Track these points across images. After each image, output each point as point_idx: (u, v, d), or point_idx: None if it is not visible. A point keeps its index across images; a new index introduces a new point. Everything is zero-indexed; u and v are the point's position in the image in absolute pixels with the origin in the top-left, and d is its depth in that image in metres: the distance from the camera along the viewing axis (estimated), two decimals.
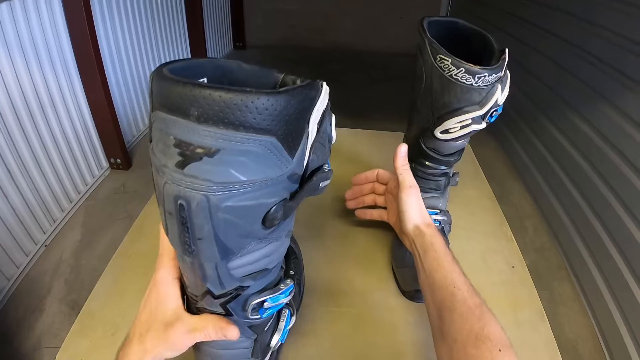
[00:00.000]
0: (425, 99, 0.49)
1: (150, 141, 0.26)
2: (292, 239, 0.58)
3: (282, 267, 0.39)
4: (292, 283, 0.37)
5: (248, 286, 0.32)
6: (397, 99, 1.59)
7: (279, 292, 0.35)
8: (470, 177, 0.80)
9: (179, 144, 0.23)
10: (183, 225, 0.25)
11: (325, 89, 0.27)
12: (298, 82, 0.27)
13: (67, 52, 1.22)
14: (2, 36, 1.00)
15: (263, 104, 0.22)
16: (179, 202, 0.24)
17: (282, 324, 0.42)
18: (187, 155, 0.23)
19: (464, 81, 0.44)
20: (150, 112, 0.25)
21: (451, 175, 0.60)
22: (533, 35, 1.43)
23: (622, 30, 0.98)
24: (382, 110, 1.38)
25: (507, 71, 0.47)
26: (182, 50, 1.84)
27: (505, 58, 0.46)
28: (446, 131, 0.49)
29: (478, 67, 0.43)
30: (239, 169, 0.23)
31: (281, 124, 0.23)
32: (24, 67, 1.07)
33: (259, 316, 0.34)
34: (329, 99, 0.29)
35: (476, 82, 0.44)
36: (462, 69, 0.43)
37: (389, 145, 0.87)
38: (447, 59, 0.43)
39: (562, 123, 1.23)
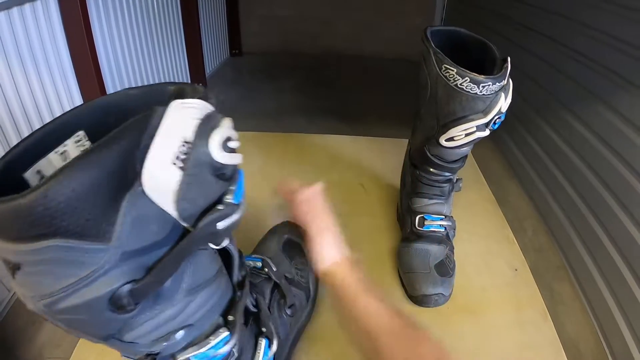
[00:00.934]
0: (430, 108, 0.50)
1: None
2: (299, 234, 0.53)
3: (220, 314, 0.34)
4: (228, 333, 0.33)
5: (161, 350, 0.29)
6: (392, 103, 1.60)
7: (207, 346, 0.31)
8: (471, 181, 0.82)
9: (6, 263, 0.22)
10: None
11: (182, 109, 0.22)
12: (188, 91, 0.24)
13: (65, 62, 1.22)
14: (0, 45, 1.00)
15: (26, 208, 0.18)
16: (36, 310, 0.23)
17: (259, 354, 0.39)
18: (9, 267, 0.22)
19: (469, 90, 0.45)
20: None
21: (455, 181, 0.61)
22: (527, 37, 1.45)
23: (614, 32, 1.00)
24: (378, 115, 1.39)
25: (510, 79, 0.48)
26: (179, 60, 1.84)
27: (507, 67, 0.47)
28: (451, 139, 0.50)
29: (482, 76, 0.44)
30: (46, 278, 0.21)
31: (61, 219, 0.19)
32: (23, 76, 1.07)
33: None
34: (216, 113, 0.24)
35: (480, 91, 0.45)
36: (467, 78, 0.44)
37: (389, 151, 0.89)
38: (453, 68, 0.44)
39: (557, 123, 1.25)
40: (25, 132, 1.08)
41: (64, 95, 1.22)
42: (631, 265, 0.84)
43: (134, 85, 1.63)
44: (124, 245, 0.22)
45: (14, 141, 1.05)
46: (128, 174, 0.21)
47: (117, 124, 0.22)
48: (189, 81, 1.80)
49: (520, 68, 1.41)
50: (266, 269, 0.47)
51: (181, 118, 0.22)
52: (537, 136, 1.31)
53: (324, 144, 0.94)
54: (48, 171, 0.24)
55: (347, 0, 1.98)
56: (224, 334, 0.32)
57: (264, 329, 0.40)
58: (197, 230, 0.24)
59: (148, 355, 0.29)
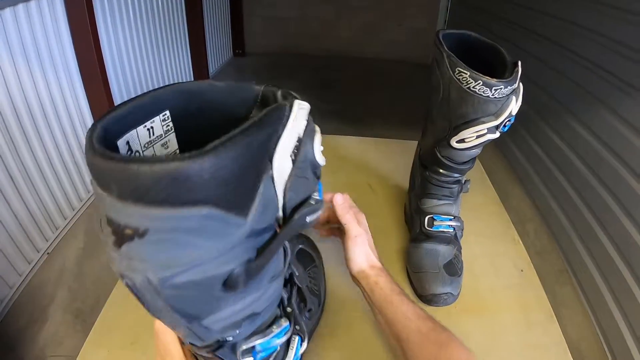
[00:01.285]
0: (441, 110, 0.51)
1: None
2: (312, 245, 0.57)
3: (278, 305, 0.36)
4: (288, 323, 0.34)
5: (231, 337, 0.30)
6: (394, 105, 1.61)
7: (271, 335, 0.33)
8: (477, 183, 0.82)
9: (110, 221, 0.20)
10: (139, 299, 0.23)
11: (299, 109, 0.23)
12: (279, 95, 0.24)
13: (70, 60, 1.22)
14: (6, 43, 1.00)
15: (185, 171, 0.18)
16: (124, 280, 0.22)
17: (291, 352, 0.39)
18: (119, 235, 0.20)
19: (481, 93, 0.46)
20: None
21: (463, 182, 0.61)
22: (528, 40, 1.46)
23: (616, 35, 1.01)
24: (381, 116, 1.40)
25: (521, 83, 0.49)
26: (183, 59, 1.85)
27: (518, 70, 0.48)
28: (462, 140, 0.51)
29: (495, 80, 0.45)
30: (175, 248, 0.20)
31: (216, 188, 0.19)
32: (28, 74, 1.07)
33: (252, 359, 0.32)
34: (311, 118, 0.25)
35: (492, 94, 0.46)
36: (479, 81, 0.45)
37: (396, 153, 0.89)
38: (466, 72, 0.45)
39: (560, 126, 1.26)
40: (30, 131, 1.08)
41: (69, 93, 1.22)
42: (633, 268, 0.85)
43: (137, 85, 1.64)
44: (254, 223, 0.22)
45: (19, 140, 1.05)
46: (265, 157, 0.22)
47: (199, 110, 0.24)
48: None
49: (522, 71, 1.43)
50: (290, 272, 0.47)
51: (300, 116, 0.23)
52: (539, 139, 1.32)
53: (331, 145, 0.95)
54: (135, 143, 0.24)
55: (350, 2, 1.99)
56: (285, 324, 0.34)
57: (297, 327, 0.40)
58: (294, 220, 0.25)
59: (215, 343, 0.30)
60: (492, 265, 0.66)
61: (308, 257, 0.55)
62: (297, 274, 0.47)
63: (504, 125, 0.50)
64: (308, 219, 0.26)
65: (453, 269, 0.57)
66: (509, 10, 1.57)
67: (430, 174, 0.59)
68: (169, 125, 0.26)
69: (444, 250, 0.58)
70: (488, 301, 0.60)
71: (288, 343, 0.39)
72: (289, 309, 0.38)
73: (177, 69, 1.78)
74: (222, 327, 0.28)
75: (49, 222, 1.20)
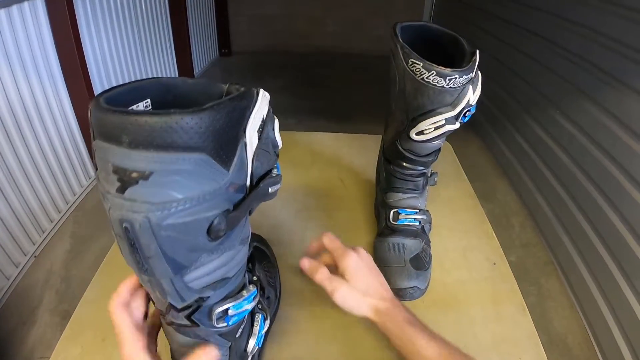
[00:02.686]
0: (399, 102, 0.51)
1: (96, 169, 0.26)
2: (264, 243, 0.59)
3: (245, 273, 0.39)
4: (256, 289, 0.37)
5: (208, 297, 0.32)
6: (381, 102, 1.60)
7: (242, 298, 0.35)
8: (452, 177, 0.82)
9: (117, 170, 0.24)
10: (132, 247, 0.26)
11: (263, 96, 0.28)
12: (241, 90, 0.28)
13: (53, 62, 1.23)
14: None
15: (187, 123, 0.23)
16: (124, 225, 0.25)
17: (256, 329, 0.42)
18: (125, 181, 0.24)
19: (436, 84, 0.45)
20: (92, 141, 0.25)
21: (429, 175, 0.61)
22: (514, 34, 1.45)
23: (601, 28, 1.00)
24: (367, 113, 1.39)
25: (479, 72, 0.48)
26: (168, 59, 1.85)
27: (475, 60, 0.47)
28: (421, 132, 0.50)
29: (449, 69, 0.44)
30: (174, 188, 0.24)
31: (209, 139, 0.24)
32: (10, 76, 1.07)
33: (225, 324, 0.35)
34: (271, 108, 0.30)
35: (447, 84, 0.45)
36: (433, 72, 0.44)
37: (368, 148, 0.89)
38: (419, 62, 0.45)
39: (544, 120, 1.25)
40: (14, 134, 1.08)
41: (52, 96, 1.22)
42: (618, 260, 0.84)
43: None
44: (233, 177, 0.27)
45: (3, 143, 1.05)
46: (241, 127, 0.27)
47: (174, 101, 0.29)
48: None
49: (508, 65, 1.42)
50: (249, 263, 0.49)
51: (264, 102, 0.28)
52: (525, 133, 1.32)
53: (306, 141, 0.95)
54: None
55: None
56: (253, 289, 0.37)
57: (259, 306, 0.44)
58: (260, 187, 0.30)
59: (194, 304, 0.33)
60: (463, 259, 0.65)
61: (262, 253, 0.57)
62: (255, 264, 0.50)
63: (464, 116, 0.49)
64: (271, 189, 0.31)
65: (420, 262, 0.57)
66: (494, 4, 1.57)
67: (394, 167, 0.59)
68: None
69: (410, 244, 0.57)
70: (459, 294, 0.60)
71: (252, 320, 0.43)
72: (255, 277, 0.43)
73: (162, 69, 1.78)
74: (201, 286, 0.31)
75: (35, 225, 1.20)
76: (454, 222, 0.71)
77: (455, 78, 0.45)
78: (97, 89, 1.42)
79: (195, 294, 0.31)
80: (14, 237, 1.11)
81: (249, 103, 0.27)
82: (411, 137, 0.51)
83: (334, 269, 0.50)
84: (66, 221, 1.34)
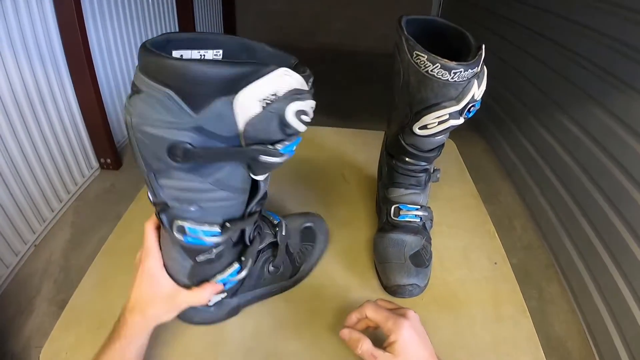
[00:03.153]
0: (402, 95, 0.50)
1: None
2: (323, 236, 0.61)
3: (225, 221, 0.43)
4: (219, 231, 0.41)
5: (173, 207, 0.39)
6: (384, 99, 1.60)
7: (201, 227, 0.39)
8: (455, 175, 0.81)
9: (132, 85, 0.33)
10: (130, 139, 0.34)
11: (283, 74, 0.31)
12: (299, 67, 0.34)
13: (57, 49, 1.22)
14: None
15: (170, 66, 0.30)
16: (126, 121, 0.33)
17: (228, 271, 0.46)
18: (132, 92, 0.32)
19: (440, 77, 0.44)
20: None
21: (432, 171, 0.60)
22: (523, 36, 1.44)
23: (610, 32, 0.99)
24: (370, 111, 1.38)
25: (484, 67, 0.48)
26: None
27: (481, 54, 0.46)
28: (424, 127, 0.49)
29: (454, 62, 0.43)
30: (150, 107, 0.31)
31: (179, 82, 0.30)
32: (14, 64, 1.07)
33: (182, 238, 0.40)
34: (314, 92, 0.34)
35: (452, 78, 0.44)
36: (437, 64, 0.44)
37: (371, 143, 0.88)
38: (423, 55, 0.44)
39: (551, 123, 1.24)
40: (17, 122, 1.08)
41: (56, 85, 1.22)
42: (620, 265, 0.83)
43: (126, 75, 1.64)
44: (202, 122, 0.32)
45: (6, 132, 1.05)
46: (235, 88, 0.31)
47: (247, 59, 0.34)
48: None
49: (514, 67, 1.41)
50: (277, 229, 0.53)
51: (279, 81, 0.31)
52: (530, 136, 1.31)
53: (308, 135, 0.93)
54: (187, 57, 0.36)
55: None
56: (217, 230, 0.40)
57: (242, 258, 0.47)
58: (247, 149, 0.34)
59: (162, 204, 0.39)
60: (464, 258, 0.64)
61: (311, 236, 0.59)
62: (283, 233, 0.53)
63: (468, 111, 0.48)
64: (262, 157, 0.34)
65: (420, 259, 0.56)
66: (502, 5, 1.56)
67: (396, 162, 0.58)
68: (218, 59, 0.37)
69: (410, 241, 0.57)
70: (458, 293, 0.59)
71: (231, 264, 0.47)
72: (227, 225, 0.44)
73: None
74: (172, 197, 0.38)
75: (36, 214, 1.21)
76: (456, 220, 0.70)
77: (460, 71, 0.44)
78: (101, 78, 1.42)
79: (164, 198, 0.38)
80: (14, 226, 1.12)
81: (252, 77, 0.31)
82: (414, 131, 0.50)
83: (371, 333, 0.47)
84: (67, 211, 1.34)
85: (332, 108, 1.34)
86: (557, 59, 1.18)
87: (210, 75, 0.30)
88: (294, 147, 0.37)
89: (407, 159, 0.56)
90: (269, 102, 0.31)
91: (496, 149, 1.46)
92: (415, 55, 0.45)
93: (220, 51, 0.36)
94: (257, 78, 0.31)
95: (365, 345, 0.43)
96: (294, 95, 0.32)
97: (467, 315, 0.56)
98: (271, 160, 0.35)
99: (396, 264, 0.55)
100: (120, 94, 1.61)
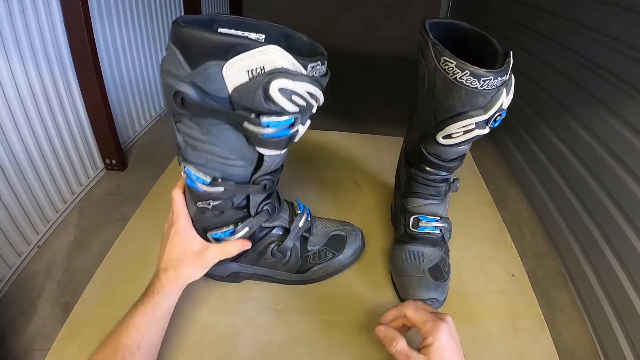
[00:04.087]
0: (427, 103, 0.48)
1: None
2: (351, 250, 0.59)
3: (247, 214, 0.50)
4: (232, 228, 0.49)
5: (184, 150, 0.43)
6: (393, 102, 1.58)
7: (197, 174, 0.44)
8: (470, 183, 0.80)
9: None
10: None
11: (270, 52, 0.34)
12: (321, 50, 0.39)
13: (63, 49, 1.21)
14: None
15: (182, 33, 0.35)
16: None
17: (224, 229, 0.50)
18: (166, 49, 0.39)
19: (469, 84, 0.43)
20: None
21: (452, 181, 0.58)
22: (532, 40, 1.43)
23: (623, 37, 0.98)
24: (379, 114, 1.37)
25: (512, 75, 0.46)
26: None
27: (510, 61, 0.45)
28: (449, 136, 0.48)
29: (483, 70, 0.42)
30: (166, 60, 0.38)
31: (181, 44, 0.35)
32: (20, 63, 1.06)
33: (184, 177, 0.46)
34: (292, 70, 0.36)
35: (481, 86, 0.43)
36: (467, 71, 0.42)
37: (384, 149, 0.87)
38: (452, 61, 0.42)
39: (561, 128, 1.23)
40: (22, 121, 1.07)
41: (62, 84, 1.21)
42: (630, 273, 0.82)
43: (132, 78, 1.61)
44: (195, 79, 0.36)
45: (10, 130, 1.04)
46: (226, 56, 0.34)
47: (285, 45, 0.35)
48: None
49: (523, 71, 1.40)
50: (295, 218, 0.54)
51: (268, 56, 0.34)
52: (539, 140, 1.29)
53: (319, 140, 0.93)
54: None
55: None
56: (208, 180, 0.44)
57: (239, 224, 0.50)
58: (233, 111, 0.37)
59: (178, 145, 0.44)
60: (481, 269, 0.63)
61: (337, 245, 0.58)
62: (300, 225, 0.54)
63: (494, 120, 0.47)
64: (245, 124, 0.37)
65: (439, 273, 0.55)
66: (510, 8, 1.54)
67: (416, 171, 0.56)
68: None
69: (429, 253, 0.55)
70: (475, 307, 0.57)
71: (224, 225, 0.50)
72: (239, 224, 0.50)
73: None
74: (181, 139, 0.43)
75: (40, 215, 1.19)
76: (472, 229, 0.69)
77: (490, 79, 0.42)
78: (108, 79, 1.40)
79: (179, 141, 0.44)
80: (18, 226, 1.10)
81: (241, 50, 0.34)
82: (438, 140, 0.49)
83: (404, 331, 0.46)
84: (71, 212, 1.32)
85: (339, 109, 1.33)
86: (565, 63, 1.17)
87: (202, 40, 0.34)
88: (289, 128, 0.39)
89: (427, 168, 0.55)
90: (256, 73, 0.34)
91: (504, 153, 1.44)
92: (442, 61, 0.43)
93: (263, 36, 0.41)
94: (248, 50, 0.34)
95: (401, 345, 0.42)
96: (283, 74, 0.35)
97: (484, 329, 0.55)
98: (252, 129, 0.37)
99: (415, 277, 0.53)
100: (127, 95, 1.60)
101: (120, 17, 1.46)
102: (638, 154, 0.83)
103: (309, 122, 0.43)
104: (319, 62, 0.37)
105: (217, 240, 0.50)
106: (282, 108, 0.36)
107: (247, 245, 0.51)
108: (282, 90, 0.35)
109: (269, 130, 0.38)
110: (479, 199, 0.77)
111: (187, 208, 0.50)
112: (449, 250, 0.59)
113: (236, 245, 0.50)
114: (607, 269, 0.89)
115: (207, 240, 0.50)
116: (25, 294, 1.10)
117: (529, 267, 0.64)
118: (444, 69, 0.43)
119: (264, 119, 0.37)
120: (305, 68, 0.36)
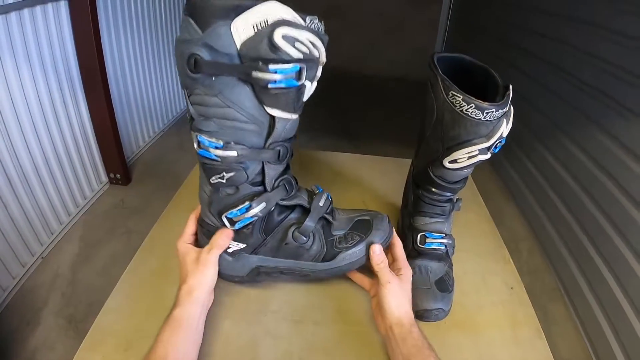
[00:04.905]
0: (435, 131, 0.53)
1: None
2: (382, 226, 0.58)
3: (260, 185, 0.50)
4: (248, 203, 0.49)
5: (197, 121, 0.45)
6: (392, 123, 1.62)
7: (211, 142, 0.45)
8: (469, 201, 0.84)
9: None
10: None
11: (269, 9, 0.38)
12: (315, 27, 0.41)
13: (72, 64, 1.24)
14: (10, 46, 1.01)
15: (193, 3, 0.39)
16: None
17: (239, 207, 0.50)
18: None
19: (474, 116, 0.47)
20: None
21: (455, 201, 0.63)
22: (526, 61, 1.48)
23: (613, 59, 1.02)
24: (379, 133, 1.41)
25: (512, 106, 0.51)
26: None
27: (509, 94, 0.49)
28: (454, 161, 0.52)
29: (487, 103, 0.46)
30: (181, 30, 0.42)
31: (193, 10, 0.39)
32: (30, 77, 1.08)
33: (197, 149, 0.47)
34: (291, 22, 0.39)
35: (484, 117, 0.47)
36: (472, 105, 0.47)
37: (390, 170, 0.91)
38: (459, 95, 0.47)
39: (554, 147, 1.27)
40: (30, 134, 1.09)
41: (69, 98, 1.24)
42: (624, 287, 0.85)
43: (137, 92, 1.64)
44: (207, 39, 0.39)
45: (18, 142, 1.06)
46: (232, 15, 0.38)
47: None
48: None
49: (519, 92, 1.45)
50: (314, 197, 0.55)
51: (270, 10, 0.38)
52: (535, 159, 1.34)
53: (326, 160, 0.96)
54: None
55: (351, 19, 2.01)
56: (221, 143, 0.46)
57: (255, 199, 0.50)
58: (242, 64, 0.40)
59: (191, 118, 0.47)
60: (482, 282, 0.67)
61: (363, 228, 0.56)
62: (320, 204, 0.54)
63: (495, 147, 0.51)
64: (254, 73, 0.39)
65: (444, 285, 0.59)
66: (506, 31, 1.61)
67: (423, 192, 0.61)
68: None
69: (435, 267, 0.59)
70: (477, 317, 0.61)
71: (239, 201, 0.50)
72: (254, 204, 0.50)
73: (178, 78, 1.80)
74: (194, 111, 0.45)
75: (44, 226, 1.21)
76: (473, 245, 0.73)
77: (492, 111, 0.47)
78: (114, 95, 1.43)
79: (192, 114, 0.46)
80: (22, 237, 1.11)
81: (244, 8, 0.38)
82: (444, 164, 0.53)
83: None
84: (76, 224, 1.34)
85: (340, 130, 1.37)
86: (558, 83, 1.22)
87: (211, 5, 0.38)
88: (296, 79, 0.41)
89: (433, 189, 0.59)
90: (260, 27, 0.38)
91: (500, 171, 1.48)
92: (451, 95, 0.48)
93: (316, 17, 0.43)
94: (248, 9, 0.38)
95: (385, 262, 0.55)
96: (285, 24, 0.38)
97: (486, 337, 0.58)
98: (261, 76, 0.39)
99: (422, 289, 0.57)
100: (132, 111, 1.62)
101: (127, 34, 1.50)
102: (630, 172, 0.87)
103: (315, 82, 0.44)
104: (316, 19, 0.41)
105: (231, 220, 0.51)
106: (287, 53, 0.39)
107: (230, 233, 0.52)
108: (286, 37, 0.38)
109: (277, 77, 0.39)
110: (478, 217, 0.81)
111: (201, 190, 0.53)
112: (452, 265, 0.63)
113: (221, 235, 0.52)
114: (602, 283, 0.92)
115: (223, 224, 0.52)
116: (29, 304, 1.11)
117: (526, 283, 0.68)
118: (452, 102, 0.48)
119: (272, 66, 0.39)
120: (304, 21, 0.40)
